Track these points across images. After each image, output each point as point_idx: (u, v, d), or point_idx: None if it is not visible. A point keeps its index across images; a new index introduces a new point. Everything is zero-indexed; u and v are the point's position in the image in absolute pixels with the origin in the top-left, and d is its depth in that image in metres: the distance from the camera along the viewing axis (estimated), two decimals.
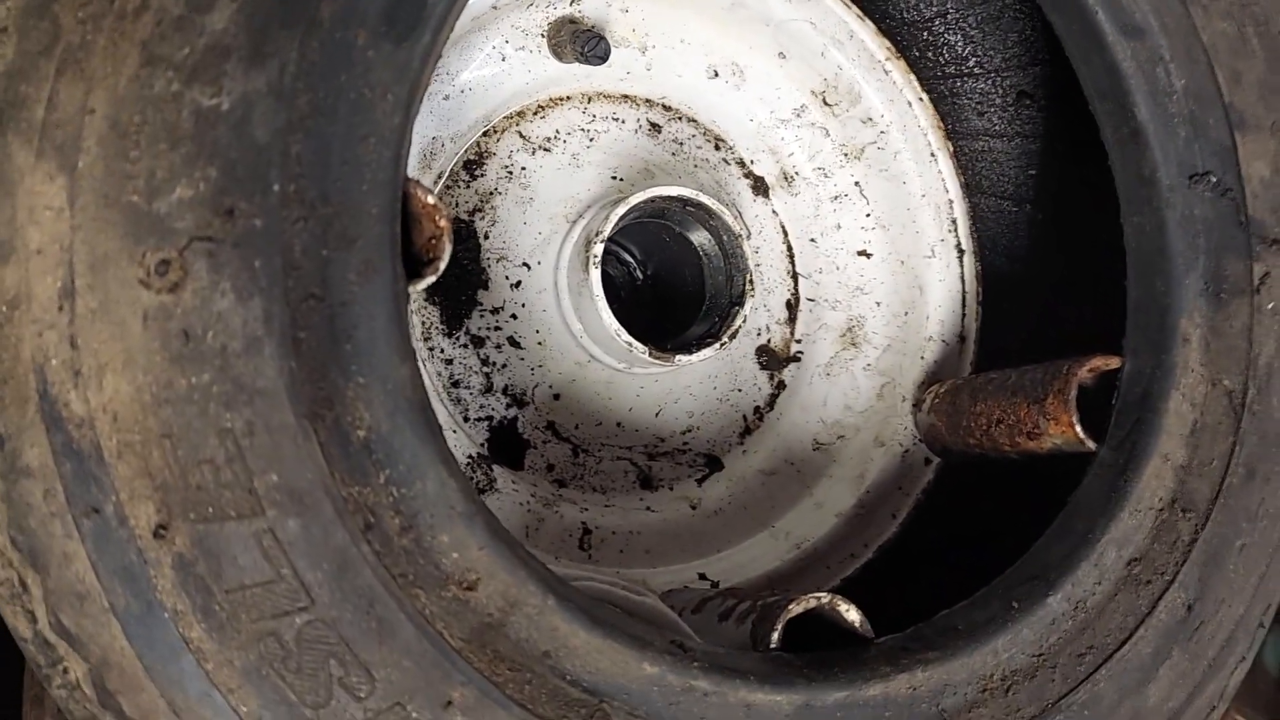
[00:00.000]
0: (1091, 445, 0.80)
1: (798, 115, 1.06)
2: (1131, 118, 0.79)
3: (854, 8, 1.00)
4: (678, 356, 0.92)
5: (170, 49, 0.55)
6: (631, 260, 1.14)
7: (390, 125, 0.59)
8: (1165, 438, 0.78)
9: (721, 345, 0.94)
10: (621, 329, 0.90)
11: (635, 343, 0.91)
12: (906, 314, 1.06)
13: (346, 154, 0.58)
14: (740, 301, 0.96)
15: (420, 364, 0.92)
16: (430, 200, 0.63)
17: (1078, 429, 0.80)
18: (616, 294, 1.15)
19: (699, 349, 0.93)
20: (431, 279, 0.63)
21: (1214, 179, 0.79)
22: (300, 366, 0.56)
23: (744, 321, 0.96)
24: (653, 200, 0.93)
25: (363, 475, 0.57)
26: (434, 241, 0.64)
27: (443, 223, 0.63)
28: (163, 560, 0.55)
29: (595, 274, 0.90)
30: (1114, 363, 0.81)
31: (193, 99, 0.55)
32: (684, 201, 0.95)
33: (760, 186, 1.10)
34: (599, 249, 0.91)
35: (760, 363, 1.09)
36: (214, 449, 0.55)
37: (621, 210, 0.91)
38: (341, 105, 0.57)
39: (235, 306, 0.55)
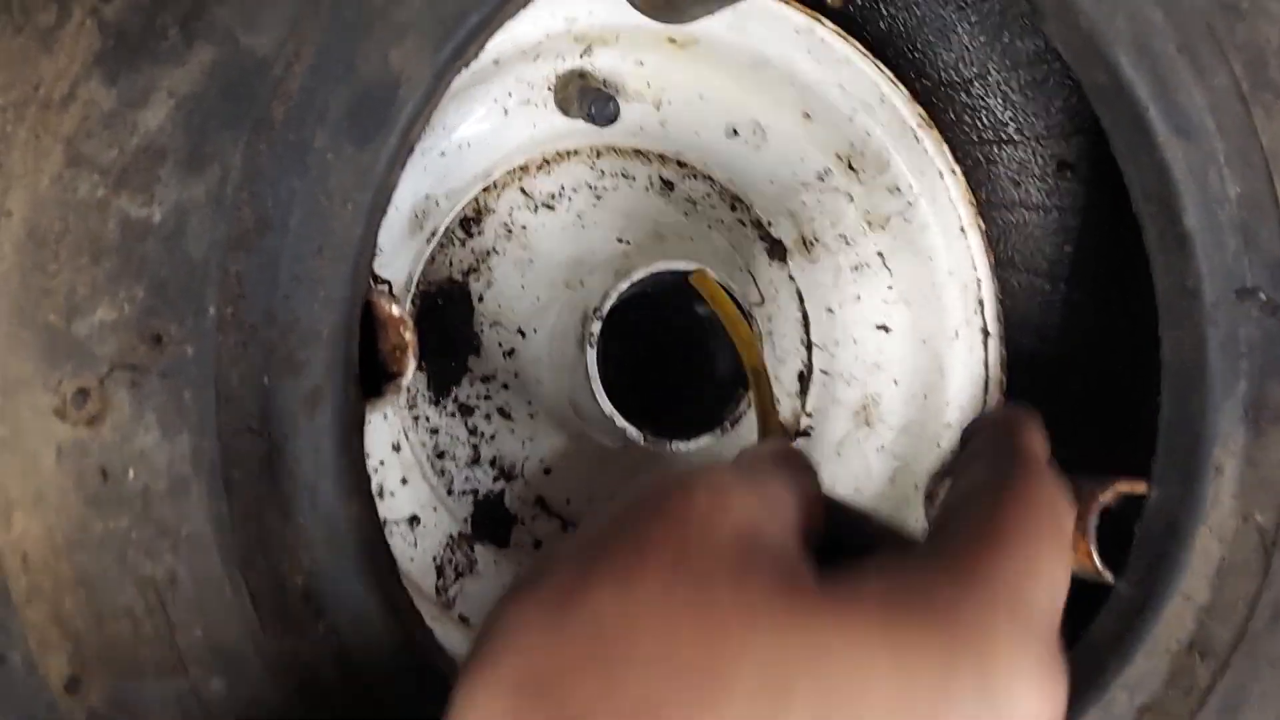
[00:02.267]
0: (1109, 578, 0.73)
1: (821, 179, 0.99)
2: (1178, 223, 0.72)
3: (886, 71, 0.93)
4: (674, 444, 0.86)
5: (98, 148, 0.49)
6: (639, 321, 1.08)
7: (349, 236, 0.53)
8: (1188, 575, 0.72)
9: (722, 432, 0.88)
10: (616, 414, 0.84)
11: (630, 428, 0.85)
12: (925, 396, 1.00)
13: (296, 269, 0.52)
14: (745, 384, 0.89)
15: (403, 432, 0.87)
16: (394, 311, 0.57)
17: (1096, 560, 0.73)
18: (620, 351, 1.09)
19: (697, 436, 0.87)
20: (392, 398, 0.57)
21: (1263, 296, 0.71)
22: (232, 509, 0.50)
23: (748, 407, 0.89)
24: (657, 274, 0.87)
25: (298, 626, 0.52)
26: (398, 354, 0.58)
27: (408, 336, 0.57)
28: (75, 716, 0.50)
29: (591, 354, 0.84)
30: (1140, 488, 0.74)
31: (120, 207, 0.49)
32: (690, 274, 0.88)
33: (778, 250, 1.03)
34: (596, 327, 0.85)
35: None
36: (133, 599, 0.49)
37: (622, 286, 0.85)
38: (293, 216, 0.52)
39: (160, 443, 0.49)
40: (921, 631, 0.34)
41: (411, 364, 0.57)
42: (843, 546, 0.42)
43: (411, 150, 0.57)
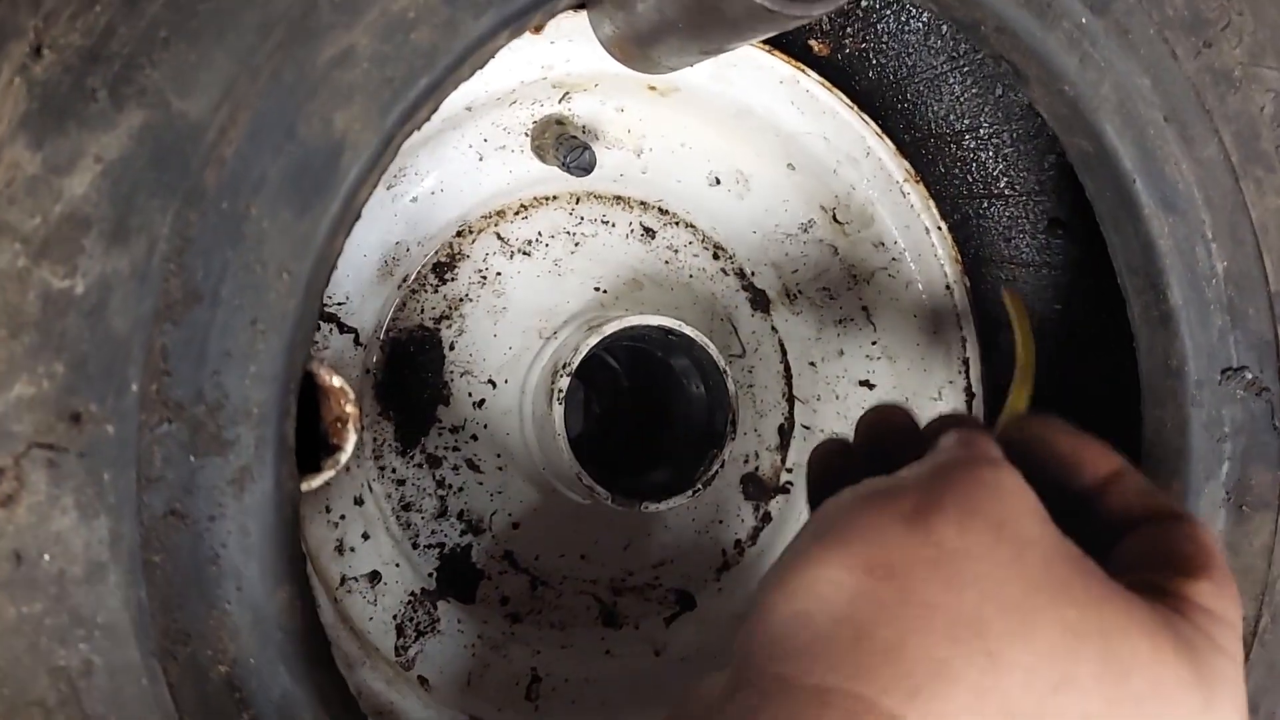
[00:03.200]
0: None
1: (805, 230, 0.97)
2: (1163, 300, 0.69)
3: (872, 124, 0.91)
4: (644, 504, 0.84)
5: (20, 215, 0.47)
6: (616, 366, 1.05)
7: (284, 309, 0.51)
8: None
9: (694, 493, 0.86)
10: (584, 472, 0.82)
11: (598, 488, 0.82)
12: None
13: (227, 344, 0.50)
14: (719, 444, 0.87)
15: (367, 485, 0.85)
16: (335, 382, 0.55)
17: None
18: (597, 401, 1.07)
19: (669, 496, 0.85)
20: (330, 474, 0.55)
21: (1249, 376, 0.69)
22: (151, 596, 0.48)
23: (721, 467, 0.87)
24: (630, 328, 0.85)
25: (221, 718, 0.49)
26: (339, 426, 0.56)
27: (349, 408, 0.55)
28: None
29: (559, 410, 0.82)
30: None
31: (42, 279, 0.47)
32: (665, 330, 0.86)
33: (760, 301, 1.01)
34: (564, 383, 0.82)
35: (745, 492, 1.00)
36: (45, 689, 0.47)
37: (593, 341, 0.83)
38: (225, 287, 0.50)
39: (77, 526, 0.47)
40: (1174, 650, 0.41)
41: (352, 437, 0.55)
42: None
43: (358, 217, 0.54)
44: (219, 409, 0.49)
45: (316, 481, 0.54)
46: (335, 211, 0.52)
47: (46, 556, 0.47)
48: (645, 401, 0.99)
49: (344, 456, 0.55)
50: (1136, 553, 0.46)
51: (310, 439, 0.56)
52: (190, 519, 0.49)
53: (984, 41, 0.65)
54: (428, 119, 0.56)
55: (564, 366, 0.83)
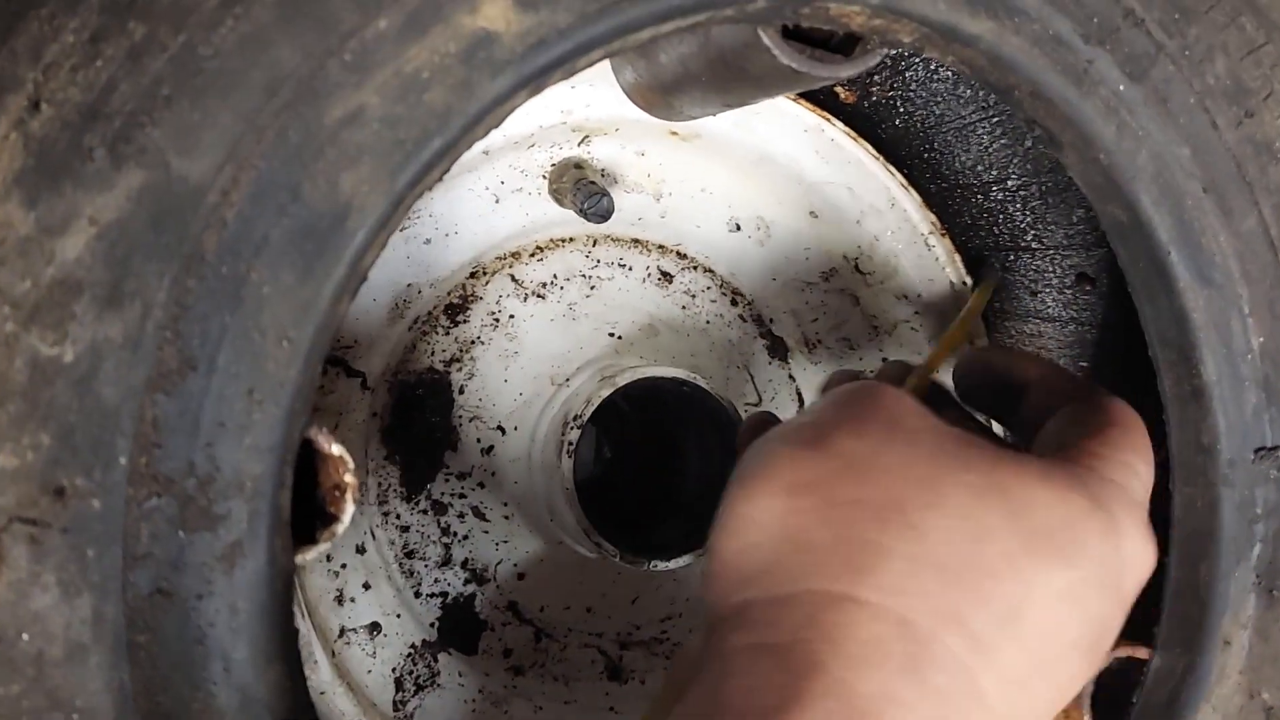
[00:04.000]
0: None
1: (826, 279, 0.95)
2: (1195, 375, 0.67)
3: (898, 175, 0.88)
4: (653, 563, 0.82)
5: (9, 278, 0.45)
6: (629, 410, 1.03)
7: (283, 378, 0.49)
8: None
9: (702, 553, 0.83)
10: (592, 529, 0.80)
11: (606, 544, 0.80)
12: None
13: (221, 415, 0.48)
14: None
15: (370, 532, 0.83)
16: (334, 450, 0.53)
17: None
18: (608, 445, 1.05)
19: (679, 555, 0.82)
20: (326, 546, 0.53)
21: None
22: (135, 678, 0.46)
23: None
24: (645, 379, 0.83)
25: None
26: (337, 494, 0.54)
27: (348, 477, 0.53)
28: None
29: (568, 463, 0.80)
30: (1141, 654, 0.69)
31: (30, 345, 0.45)
32: (680, 382, 0.84)
33: (779, 349, 0.99)
34: (575, 435, 0.80)
35: None
36: None
37: (605, 393, 0.81)
38: (221, 355, 0.48)
39: (58, 605, 0.45)
40: (1070, 488, 0.46)
41: (350, 508, 0.53)
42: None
43: (364, 280, 0.52)
44: (210, 482, 0.47)
45: (311, 554, 0.52)
46: (340, 276, 0.50)
47: (25, 636, 0.45)
48: (658, 449, 0.97)
49: (341, 528, 0.53)
50: (1054, 429, 0.54)
51: (307, 506, 0.54)
52: (177, 598, 0.47)
53: (1018, 106, 0.63)
54: (440, 179, 0.54)
55: (575, 418, 0.80)
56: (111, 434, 0.46)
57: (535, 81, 0.54)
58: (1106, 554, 0.46)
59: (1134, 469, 0.51)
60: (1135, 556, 0.48)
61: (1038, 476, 0.46)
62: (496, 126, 0.55)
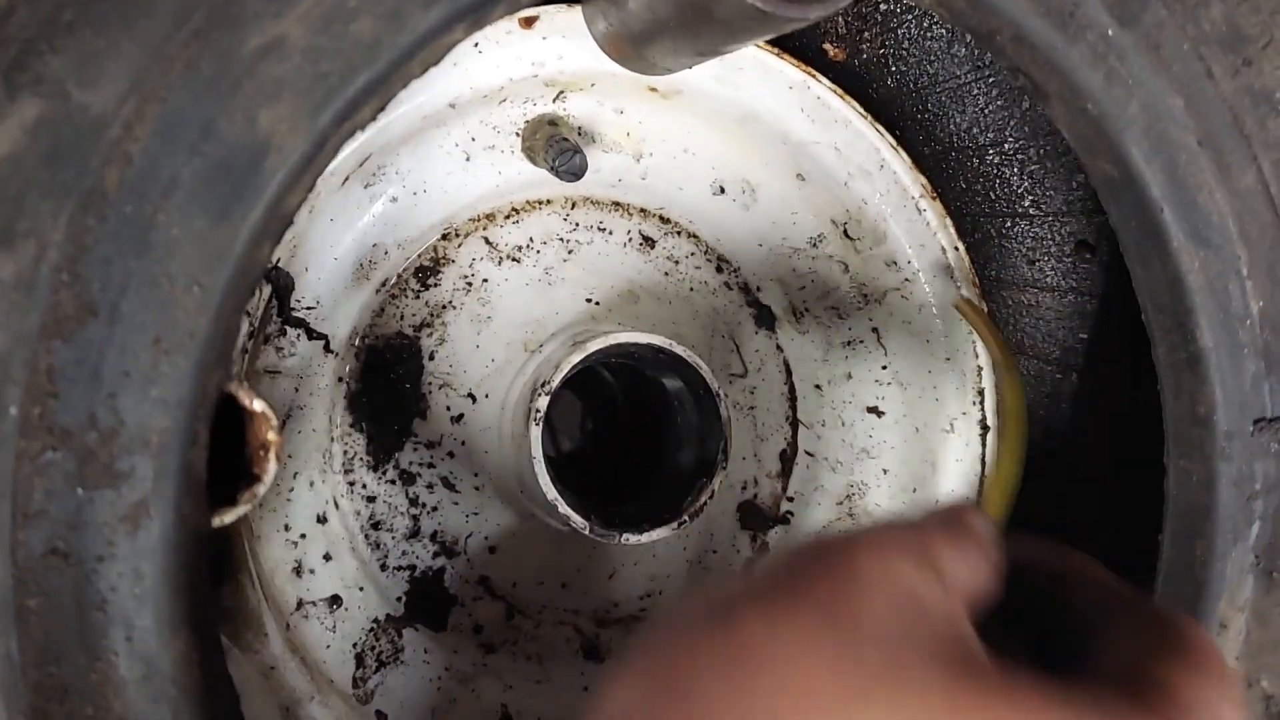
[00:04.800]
0: None
1: (814, 245, 0.91)
2: (1191, 341, 0.63)
3: (888, 135, 0.84)
4: (625, 536, 0.78)
5: None
6: (611, 381, 1.00)
7: (193, 326, 0.46)
8: None
9: (680, 525, 0.80)
10: (560, 500, 0.76)
11: (575, 516, 0.77)
12: (914, 490, 0.91)
13: (125, 364, 0.45)
14: (709, 472, 0.81)
15: (333, 501, 0.80)
16: (256, 406, 0.50)
17: None
18: (590, 417, 1.02)
19: (652, 527, 0.79)
20: (245, 508, 0.50)
21: None
22: (24, 647, 0.43)
23: (710, 498, 0.81)
24: (618, 346, 0.79)
25: None
26: (261, 453, 0.51)
27: (270, 435, 0.50)
28: None
29: (535, 431, 0.77)
30: None
31: None
32: (656, 349, 0.80)
33: (765, 317, 0.95)
34: (543, 403, 0.77)
35: (742, 521, 0.94)
36: None
37: (576, 358, 0.78)
38: (125, 301, 0.45)
39: None
40: None
41: (273, 467, 0.50)
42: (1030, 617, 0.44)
43: (289, 223, 0.49)
44: (113, 436, 0.44)
45: (229, 516, 0.49)
46: (257, 220, 0.47)
47: None
48: (639, 421, 0.94)
49: (262, 489, 0.50)
50: (1119, 648, 0.42)
51: (235, 467, 0.51)
52: (74, 559, 0.44)
53: (1001, 53, 0.59)
54: (371, 119, 0.50)
55: (544, 385, 0.77)
56: (0, 383, 0.43)
57: (475, 15, 0.51)
58: None
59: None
60: None
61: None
62: (434, 63, 0.51)
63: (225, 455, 0.51)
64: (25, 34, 0.44)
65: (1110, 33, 0.58)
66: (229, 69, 0.46)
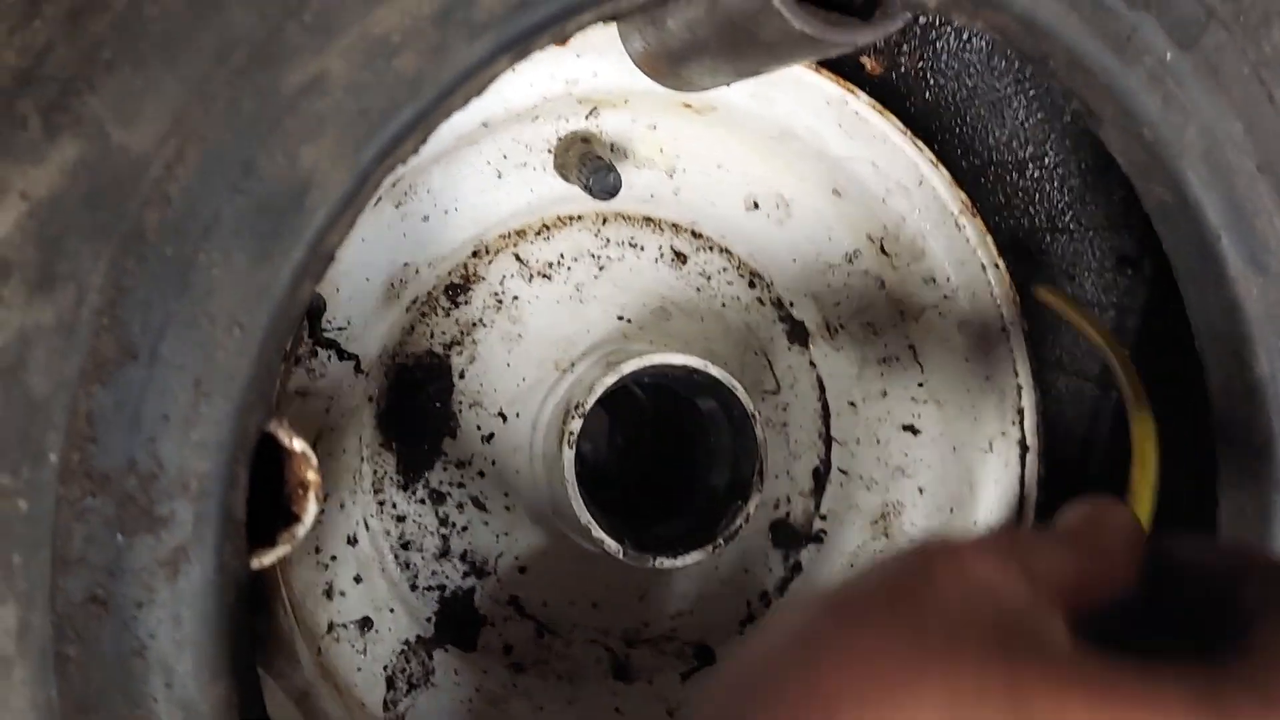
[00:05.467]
0: None
1: (850, 260, 0.90)
2: (1247, 369, 0.61)
3: (927, 151, 0.83)
4: (658, 559, 0.77)
5: None
6: (642, 397, 0.99)
7: (234, 368, 0.45)
8: None
9: (715, 549, 0.79)
10: (594, 524, 0.75)
11: (608, 540, 0.76)
12: (951, 510, 0.89)
13: (164, 407, 0.44)
14: (745, 495, 0.80)
15: (363, 522, 0.79)
16: (296, 446, 0.49)
17: None
18: (620, 432, 1.01)
19: (686, 551, 0.78)
20: (285, 549, 0.49)
21: None
22: (64, 694, 0.42)
23: (746, 521, 0.80)
24: (653, 366, 0.78)
25: None
26: (300, 492, 0.50)
27: (310, 475, 0.49)
28: None
29: (569, 454, 0.76)
30: None
31: None
32: (690, 370, 0.79)
33: (798, 333, 0.94)
34: (576, 425, 0.76)
35: (774, 539, 0.93)
36: None
37: (610, 380, 0.76)
38: (165, 344, 0.44)
39: None
40: None
41: (313, 508, 0.49)
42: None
43: (330, 260, 0.48)
44: (152, 481, 0.44)
45: (269, 558, 0.48)
46: (299, 258, 0.46)
47: None
48: (670, 438, 0.92)
49: (302, 530, 0.49)
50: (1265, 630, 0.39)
51: (272, 505, 0.51)
52: (114, 606, 0.43)
53: (1053, 76, 0.57)
54: (414, 152, 0.49)
55: (577, 407, 0.76)
56: (41, 428, 0.42)
57: (519, 46, 0.49)
58: None
59: None
60: None
61: None
62: (477, 95, 0.50)
63: (263, 493, 0.50)
64: (65, 73, 0.43)
65: (1168, 56, 0.57)
66: (270, 106, 0.45)
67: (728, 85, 0.73)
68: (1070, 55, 0.56)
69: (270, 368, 0.46)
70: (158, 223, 0.43)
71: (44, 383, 0.42)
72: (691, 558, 0.78)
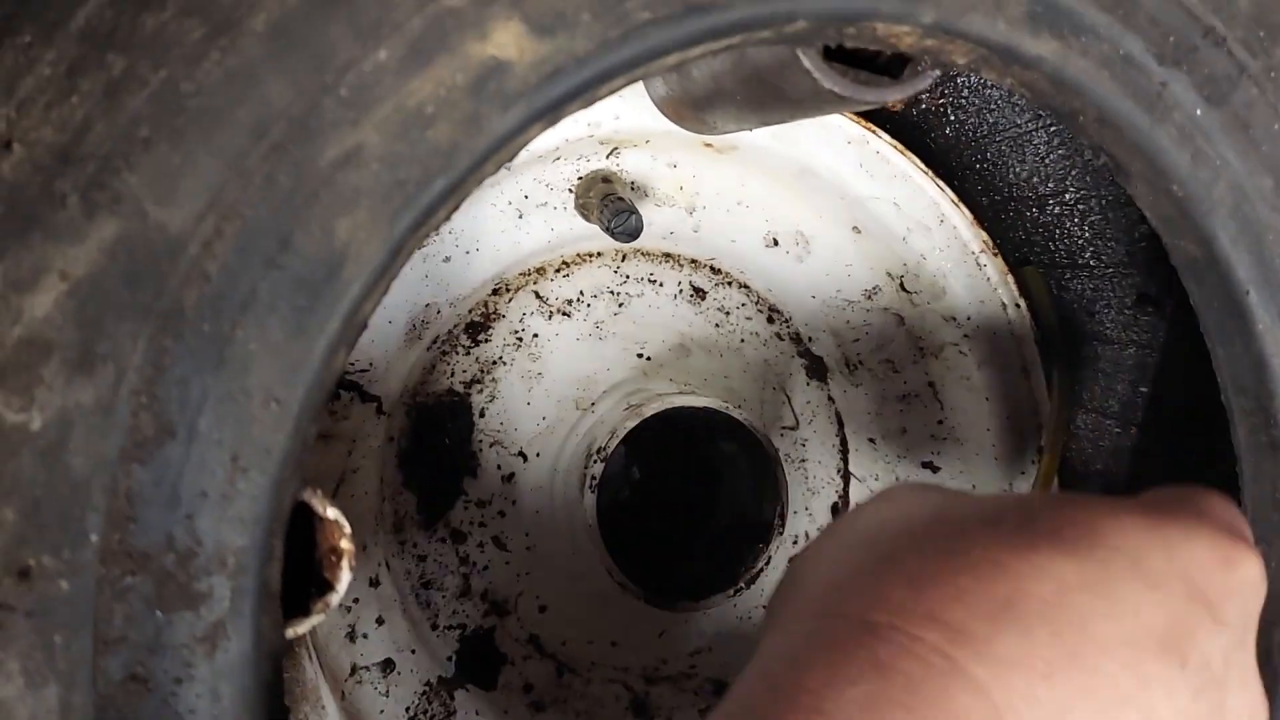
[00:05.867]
0: None
1: (869, 297, 0.90)
2: (1274, 425, 0.61)
3: (948, 191, 0.83)
4: (680, 604, 0.77)
5: None
6: (662, 431, 0.99)
7: (271, 442, 0.45)
8: None
9: (736, 592, 0.79)
10: (615, 568, 0.76)
11: (630, 584, 0.76)
12: None
13: (202, 484, 0.44)
14: (765, 538, 0.80)
15: (384, 563, 0.79)
16: (329, 514, 0.49)
17: None
18: (638, 466, 1.01)
19: (707, 595, 0.78)
20: (318, 618, 0.49)
21: None
22: None
23: (768, 563, 0.80)
24: (675, 409, 0.78)
25: None
26: (333, 559, 0.50)
27: (344, 543, 0.49)
28: None
29: (590, 499, 0.76)
30: None
31: None
32: (713, 412, 0.79)
33: (817, 369, 0.94)
34: (598, 469, 0.76)
35: None
36: None
37: (631, 424, 0.77)
38: (203, 420, 0.44)
39: (22, 695, 0.42)
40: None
41: (346, 577, 0.49)
42: None
43: (364, 328, 0.48)
44: (191, 558, 0.44)
45: (303, 628, 0.48)
46: (334, 331, 0.46)
47: None
48: (690, 476, 0.92)
49: (336, 598, 0.49)
50: None
51: (302, 571, 0.51)
52: (153, 684, 0.43)
53: (1083, 132, 0.57)
54: (446, 220, 0.49)
55: (599, 451, 0.76)
56: (81, 508, 0.42)
57: (550, 114, 0.49)
58: None
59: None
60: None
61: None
62: (508, 162, 0.50)
63: (296, 561, 0.50)
64: (103, 150, 0.43)
65: (1198, 113, 0.56)
66: (307, 181, 0.45)
67: (750, 130, 0.73)
68: (1100, 113, 0.56)
69: (305, 440, 0.46)
70: (196, 300, 0.43)
71: (84, 463, 0.42)
72: (712, 602, 0.78)
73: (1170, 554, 0.42)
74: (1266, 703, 0.47)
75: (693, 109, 0.71)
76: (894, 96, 0.56)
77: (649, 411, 0.77)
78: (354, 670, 0.77)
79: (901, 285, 0.88)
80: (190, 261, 0.43)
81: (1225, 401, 0.63)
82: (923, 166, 0.82)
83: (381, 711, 0.78)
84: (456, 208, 0.49)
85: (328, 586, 0.49)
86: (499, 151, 0.49)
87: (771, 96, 0.61)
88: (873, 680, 0.38)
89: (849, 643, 0.40)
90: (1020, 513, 0.43)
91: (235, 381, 0.44)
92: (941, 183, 0.82)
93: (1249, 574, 0.44)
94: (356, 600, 0.78)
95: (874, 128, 0.80)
